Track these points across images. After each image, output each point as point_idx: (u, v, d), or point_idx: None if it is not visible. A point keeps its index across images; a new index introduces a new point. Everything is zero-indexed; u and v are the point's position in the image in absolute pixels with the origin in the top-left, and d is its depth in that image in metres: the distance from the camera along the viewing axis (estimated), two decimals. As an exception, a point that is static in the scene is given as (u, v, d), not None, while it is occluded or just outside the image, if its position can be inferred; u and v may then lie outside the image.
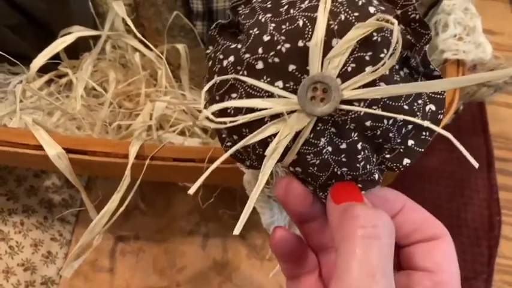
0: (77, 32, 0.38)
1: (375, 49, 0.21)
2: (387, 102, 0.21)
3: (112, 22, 0.43)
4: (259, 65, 0.22)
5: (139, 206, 0.44)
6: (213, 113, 0.22)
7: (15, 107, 0.38)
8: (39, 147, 0.32)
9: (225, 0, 0.46)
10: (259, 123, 0.22)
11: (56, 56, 0.40)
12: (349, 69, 0.21)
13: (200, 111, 0.42)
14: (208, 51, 0.25)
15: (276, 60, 0.21)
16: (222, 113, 0.23)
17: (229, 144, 0.24)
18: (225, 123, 0.22)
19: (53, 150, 0.32)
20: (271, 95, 0.22)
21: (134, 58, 0.42)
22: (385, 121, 0.21)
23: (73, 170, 0.33)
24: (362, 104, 0.21)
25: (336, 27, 0.21)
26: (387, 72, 0.21)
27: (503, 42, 0.58)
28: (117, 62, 0.44)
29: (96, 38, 0.44)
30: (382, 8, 0.22)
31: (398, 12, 0.22)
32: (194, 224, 0.43)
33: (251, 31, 0.22)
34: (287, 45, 0.21)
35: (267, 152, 0.22)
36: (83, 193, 0.35)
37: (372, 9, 0.21)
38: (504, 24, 0.59)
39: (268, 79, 0.22)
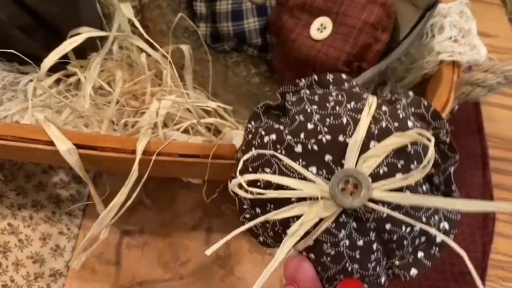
0: (86, 32, 0.40)
1: (407, 159, 0.22)
2: (409, 210, 0.23)
3: (119, 24, 0.45)
4: (298, 149, 0.23)
5: (144, 201, 0.45)
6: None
7: (25, 104, 0.39)
8: (50, 143, 0.34)
9: (227, 3, 0.48)
10: (285, 202, 0.23)
11: (64, 56, 0.41)
12: (381, 171, 0.22)
13: (205, 111, 0.43)
14: (249, 125, 0.27)
15: (315, 147, 0.23)
16: (252, 184, 0.24)
17: (247, 216, 0.25)
18: (257, 193, 0.23)
19: (63, 145, 0.33)
20: (303, 178, 0.23)
21: (140, 58, 0.43)
22: (404, 228, 0.23)
23: (82, 165, 0.34)
24: (386, 206, 0.22)
25: (376, 131, 0.23)
26: (413, 183, 0.22)
27: (498, 44, 0.59)
28: (123, 62, 0.45)
29: (102, 39, 0.46)
30: (418, 125, 0.24)
31: (430, 132, 0.24)
32: (197, 219, 0.44)
33: (297, 117, 0.24)
34: (328, 137, 0.23)
35: (290, 231, 0.23)
36: (91, 187, 0.36)
37: (409, 124, 0.23)
38: (499, 27, 0.60)
39: (304, 163, 0.23)
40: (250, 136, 0.26)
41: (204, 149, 0.34)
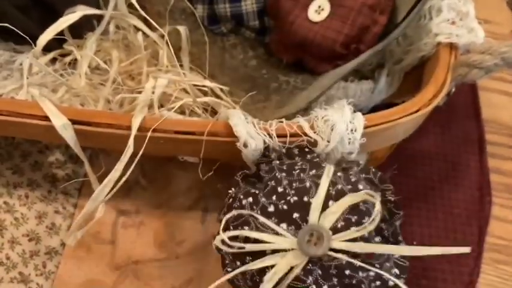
0: (82, 10, 0.40)
1: (360, 215, 0.28)
2: (364, 259, 0.27)
3: (116, 3, 0.44)
4: (271, 208, 0.28)
5: (140, 182, 0.45)
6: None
7: (21, 82, 0.39)
8: (46, 118, 0.34)
9: (225, -15, 0.47)
10: (261, 254, 0.28)
11: (61, 37, 0.41)
12: (339, 225, 0.27)
13: (201, 92, 0.43)
14: (230, 191, 0.32)
15: (285, 207, 0.28)
16: (233, 240, 0.28)
17: (229, 269, 0.30)
18: (237, 248, 0.28)
19: (59, 120, 0.33)
20: (275, 233, 0.28)
21: (136, 38, 0.43)
22: (360, 273, 0.27)
23: (78, 141, 0.34)
24: (346, 255, 0.27)
25: (334, 193, 0.28)
26: (367, 235, 0.27)
27: (498, 31, 0.59)
28: (120, 42, 0.45)
29: (100, 20, 0.46)
30: (368, 187, 0.29)
31: (378, 194, 0.29)
32: (193, 199, 0.44)
33: (269, 183, 0.29)
34: (295, 198, 0.28)
35: (266, 277, 0.27)
36: (86, 164, 0.36)
37: (360, 186, 0.28)
38: (499, 14, 0.60)
39: (276, 220, 0.28)
40: (230, 200, 0.31)
41: (199, 126, 0.34)
